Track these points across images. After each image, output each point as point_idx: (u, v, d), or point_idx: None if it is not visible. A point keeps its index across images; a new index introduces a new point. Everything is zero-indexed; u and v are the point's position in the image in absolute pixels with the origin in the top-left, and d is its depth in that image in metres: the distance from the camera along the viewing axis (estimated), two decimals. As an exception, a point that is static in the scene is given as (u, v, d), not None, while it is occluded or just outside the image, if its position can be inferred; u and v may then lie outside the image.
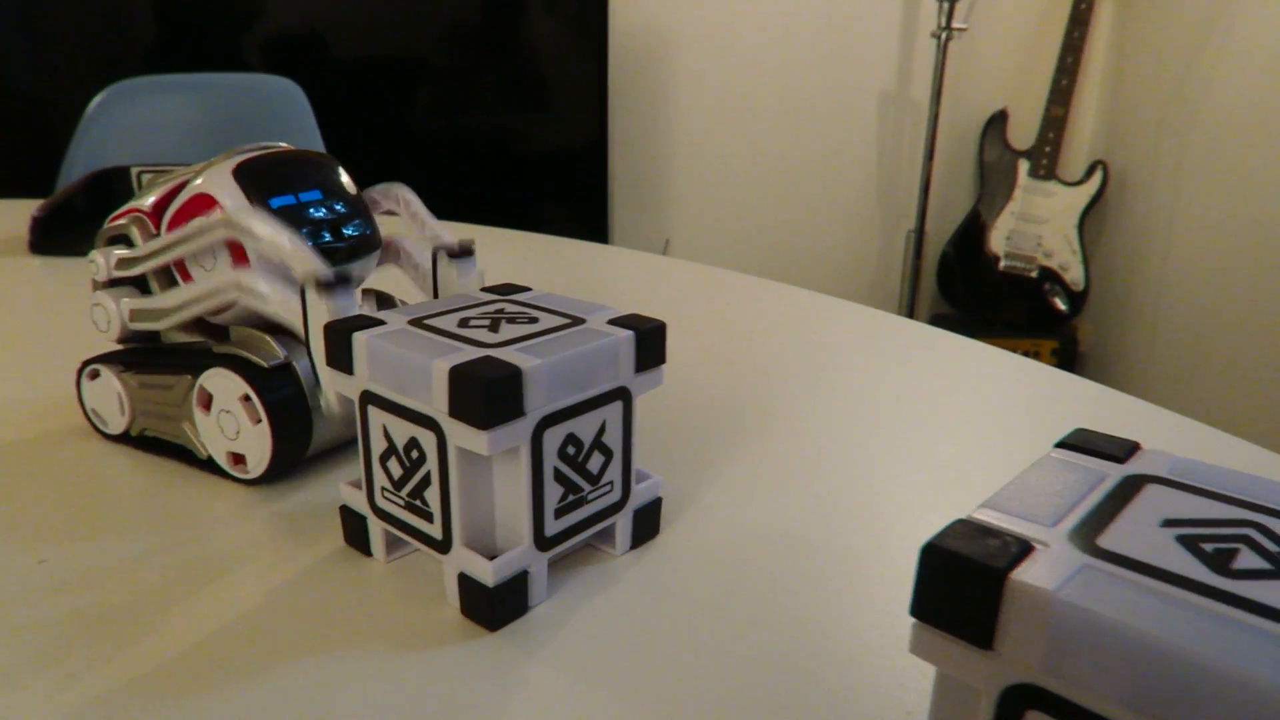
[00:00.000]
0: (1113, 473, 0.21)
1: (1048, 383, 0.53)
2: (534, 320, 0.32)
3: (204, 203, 0.37)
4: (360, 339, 0.30)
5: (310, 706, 0.26)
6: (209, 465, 0.39)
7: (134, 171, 0.98)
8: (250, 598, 0.31)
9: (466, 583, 0.29)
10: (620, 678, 0.27)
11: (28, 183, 1.50)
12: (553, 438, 0.29)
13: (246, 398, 0.36)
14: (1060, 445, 0.22)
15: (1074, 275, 2.37)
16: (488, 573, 0.29)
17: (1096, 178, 2.36)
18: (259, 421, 0.36)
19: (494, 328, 0.31)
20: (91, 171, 0.97)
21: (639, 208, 2.36)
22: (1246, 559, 0.17)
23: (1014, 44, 2.48)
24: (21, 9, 1.73)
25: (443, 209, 1.14)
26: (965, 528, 0.18)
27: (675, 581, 0.32)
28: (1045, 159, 2.37)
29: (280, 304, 0.35)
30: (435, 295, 0.41)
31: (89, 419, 0.43)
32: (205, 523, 0.36)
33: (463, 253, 0.40)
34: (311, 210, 0.37)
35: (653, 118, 2.31)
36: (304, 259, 0.34)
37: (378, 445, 0.31)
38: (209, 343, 0.39)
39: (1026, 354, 2.24)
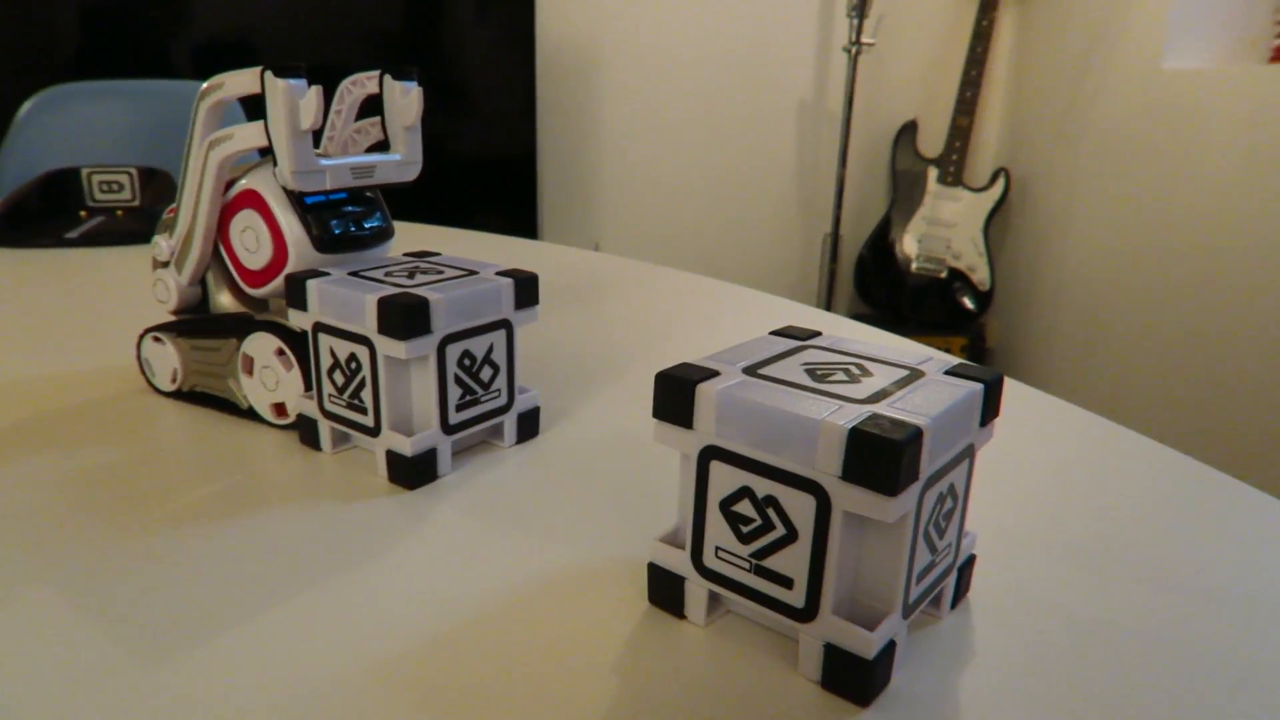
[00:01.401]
0: (794, 345, 0.33)
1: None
2: (440, 272, 0.44)
3: (249, 198, 0.45)
4: (312, 284, 0.41)
5: (280, 537, 0.37)
6: (249, 414, 0.48)
7: (84, 172, 1.07)
8: (220, 481, 0.42)
9: (392, 456, 0.41)
10: (502, 519, 0.39)
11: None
12: (453, 352, 0.41)
13: (281, 351, 0.45)
14: (771, 333, 0.34)
15: (981, 276, 2.53)
16: (407, 446, 0.40)
17: (1000, 184, 2.53)
18: (291, 369, 0.45)
19: (410, 276, 0.43)
20: (45, 172, 1.05)
21: (569, 212, 2.48)
22: (838, 376, 0.29)
23: (922, 58, 2.65)
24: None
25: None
26: (683, 365, 0.30)
27: (547, 463, 0.44)
28: (953, 166, 2.54)
29: (243, 131, 0.43)
30: (381, 115, 0.47)
31: (145, 377, 0.52)
32: (230, 444, 0.46)
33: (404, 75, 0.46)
34: (340, 206, 0.46)
35: (581, 126, 2.42)
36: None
37: (325, 362, 0.42)
38: (251, 313, 0.48)
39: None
